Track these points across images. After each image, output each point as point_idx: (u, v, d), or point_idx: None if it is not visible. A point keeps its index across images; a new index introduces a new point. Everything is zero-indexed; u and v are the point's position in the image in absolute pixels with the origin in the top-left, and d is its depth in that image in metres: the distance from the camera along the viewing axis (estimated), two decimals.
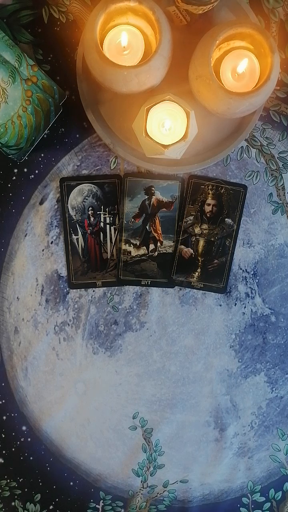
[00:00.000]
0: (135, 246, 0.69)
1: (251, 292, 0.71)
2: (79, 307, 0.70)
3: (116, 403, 0.72)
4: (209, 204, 0.68)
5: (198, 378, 0.71)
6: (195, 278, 0.69)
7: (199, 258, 0.69)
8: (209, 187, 0.68)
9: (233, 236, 0.69)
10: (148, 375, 0.71)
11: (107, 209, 0.69)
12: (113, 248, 0.69)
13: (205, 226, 0.68)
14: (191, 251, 0.69)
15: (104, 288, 0.70)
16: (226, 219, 0.68)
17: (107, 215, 0.69)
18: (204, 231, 0.69)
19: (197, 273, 0.69)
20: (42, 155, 0.68)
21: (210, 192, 0.68)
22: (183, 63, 0.60)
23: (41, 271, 0.70)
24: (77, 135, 0.68)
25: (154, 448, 0.72)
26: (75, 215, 0.69)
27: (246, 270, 0.70)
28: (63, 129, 0.68)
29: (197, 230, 0.68)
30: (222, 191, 0.68)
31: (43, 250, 0.70)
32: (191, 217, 0.68)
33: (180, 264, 0.69)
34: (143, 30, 0.59)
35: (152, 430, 0.72)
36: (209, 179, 0.68)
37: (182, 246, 0.69)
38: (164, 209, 0.69)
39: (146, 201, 0.68)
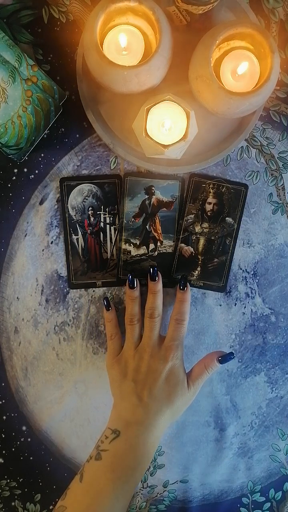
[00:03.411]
0: (135, 245, 0.69)
1: (251, 292, 0.71)
2: (79, 307, 0.70)
3: None
4: (210, 203, 0.68)
5: None
6: (195, 277, 0.69)
7: (199, 257, 0.69)
8: (210, 186, 0.68)
9: (233, 235, 0.69)
10: None
11: (107, 209, 0.69)
12: (113, 248, 0.69)
13: (205, 224, 0.68)
14: (192, 249, 0.69)
15: (104, 288, 0.70)
16: (227, 218, 0.68)
17: (107, 215, 0.69)
18: (204, 230, 0.69)
19: (197, 272, 0.69)
20: (42, 155, 0.68)
21: (211, 190, 0.68)
22: (183, 63, 0.60)
23: (41, 271, 0.70)
24: (77, 135, 0.68)
25: None
26: (75, 215, 0.69)
27: (246, 270, 0.70)
28: (63, 129, 0.68)
29: (197, 228, 0.68)
30: (223, 190, 0.68)
31: (43, 250, 0.70)
32: (192, 216, 0.68)
33: (180, 263, 0.69)
34: (143, 30, 0.59)
35: None
36: (210, 178, 0.68)
37: (183, 245, 0.69)
38: (164, 208, 0.69)
39: (146, 201, 0.68)
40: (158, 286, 0.66)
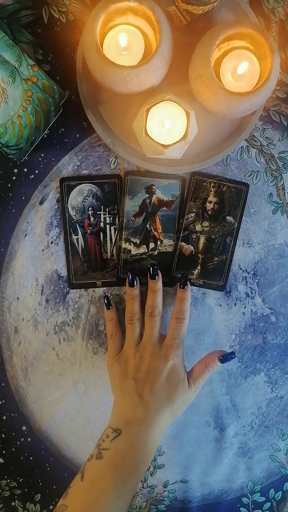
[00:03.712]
0: (135, 244, 0.69)
1: (251, 292, 0.71)
2: (79, 307, 0.70)
3: None
4: (210, 202, 0.68)
5: None
6: (195, 275, 0.69)
7: (200, 256, 0.69)
8: (211, 185, 0.68)
9: (234, 234, 0.69)
10: None
11: (107, 209, 0.69)
12: (113, 248, 0.70)
13: (206, 223, 0.68)
14: (192, 248, 0.69)
15: (104, 288, 0.70)
16: (228, 217, 0.69)
17: (107, 215, 0.69)
18: (205, 229, 0.69)
19: (197, 270, 0.69)
20: (42, 155, 0.68)
21: (212, 189, 0.68)
22: (183, 63, 0.60)
23: (41, 271, 0.70)
24: (77, 135, 0.68)
25: None
26: (75, 215, 0.69)
27: (246, 270, 0.70)
28: (63, 129, 0.68)
29: (198, 227, 0.68)
30: (224, 189, 0.68)
31: (43, 250, 0.70)
32: (193, 214, 0.68)
33: (181, 261, 0.69)
34: (143, 30, 0.59)
35: None
36: (212, 177, 0.68)
37: (183, 243, 0.69)
38: (165, 208, 0.69)
39: (146, 200, 0.68)
40: (158, 284, 0.66)
